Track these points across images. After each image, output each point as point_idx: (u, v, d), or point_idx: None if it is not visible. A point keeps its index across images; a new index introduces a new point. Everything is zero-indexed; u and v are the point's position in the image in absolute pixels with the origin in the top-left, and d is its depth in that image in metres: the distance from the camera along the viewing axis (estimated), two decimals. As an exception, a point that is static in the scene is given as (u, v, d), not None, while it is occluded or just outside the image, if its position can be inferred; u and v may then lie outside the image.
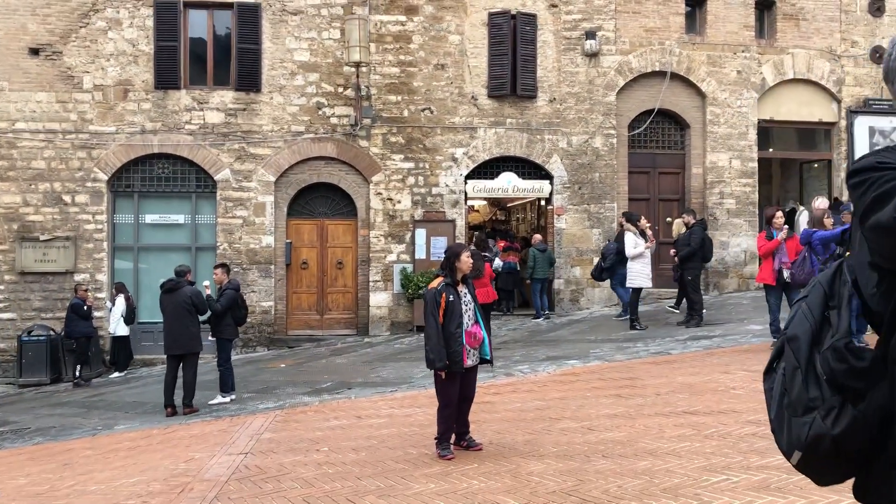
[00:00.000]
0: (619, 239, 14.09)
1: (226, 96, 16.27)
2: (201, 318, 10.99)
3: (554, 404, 8.20)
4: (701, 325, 12.92)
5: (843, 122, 18.17)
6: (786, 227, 10.13)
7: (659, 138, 17.89)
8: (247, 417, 9.34)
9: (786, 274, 9.82)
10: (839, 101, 18.20)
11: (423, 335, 13.13)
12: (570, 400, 8.32)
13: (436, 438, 6.63)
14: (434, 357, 6.45)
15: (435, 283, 6.68)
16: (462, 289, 6.66)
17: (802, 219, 18.05)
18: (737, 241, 17.64)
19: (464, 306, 6.58)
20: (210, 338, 11.05)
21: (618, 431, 6.78)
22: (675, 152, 17.95)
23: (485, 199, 19.75)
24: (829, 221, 9.44)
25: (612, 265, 14.73)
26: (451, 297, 6.53)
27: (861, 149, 18.20)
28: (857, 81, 18.19)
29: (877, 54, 18.19)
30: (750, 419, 6.71)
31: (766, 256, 10.08)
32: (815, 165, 19.41)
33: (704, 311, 13.46)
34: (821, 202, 17.42)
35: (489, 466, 6.09)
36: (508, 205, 22.28)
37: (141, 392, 12.84)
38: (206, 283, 11.33)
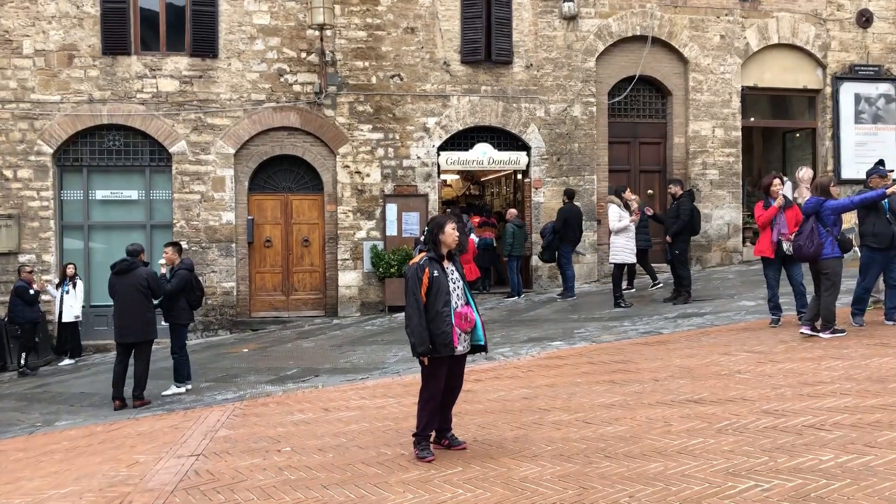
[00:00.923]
0: (605, 213, 13.34)
1: (180, 63, 15.15)
2: (154, 303, 10.03)
3: (542, 392, 7.42)
4: (689, 301, 12.23)
5: (829, 89, 17.54)
6: (784, 195, 9.38)
7: (640, 107, 17.12)
8: (202, 411, 8.45)
9: (785, 246, 9.10)
10: (824, 67, 17.56)
11: (394, 316, 12.34)
12: (560, 387, 7.55)
13: (414, 435, 5.81)
14: (416, 340, 5.61)
15: (417, 258, 5.83)
16: (448, 265, 5.82)
17: (786, 190, 17.41)
18: (720, 214, 17.00)
19: (451, 284, 5.74)
20: (163, 322, 10.10)
21: (618, 425, 6.02)
22: (656, 121, 17.20)
23: (459, 171, 18.87)
24: (835, 190, 8.71)
25: (549, 244, 14.18)
26: (436, 273, 5.69)
27: (847, 117, 17.62)
28: (843, 46, 17.55)
29: (863, 17, 17.56)
30: (765, 409, 5.98)
31: (764, 227, 9.35)
32: (798, 135, 18.80)
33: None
34: (805, 172, 16.80)
35: (475, 471, 5.28)
36: (482, 178, 21.40)
37: (90, 382, 11.86)
38: (162, 261, 10.34)
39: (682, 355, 8.36)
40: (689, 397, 6.62)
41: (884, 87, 17.80)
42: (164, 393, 9.79)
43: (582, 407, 6.69)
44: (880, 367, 6.90)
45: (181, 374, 9.83)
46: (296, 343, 12.94)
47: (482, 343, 5.88)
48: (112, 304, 14.74)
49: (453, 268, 5.86)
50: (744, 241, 17.25)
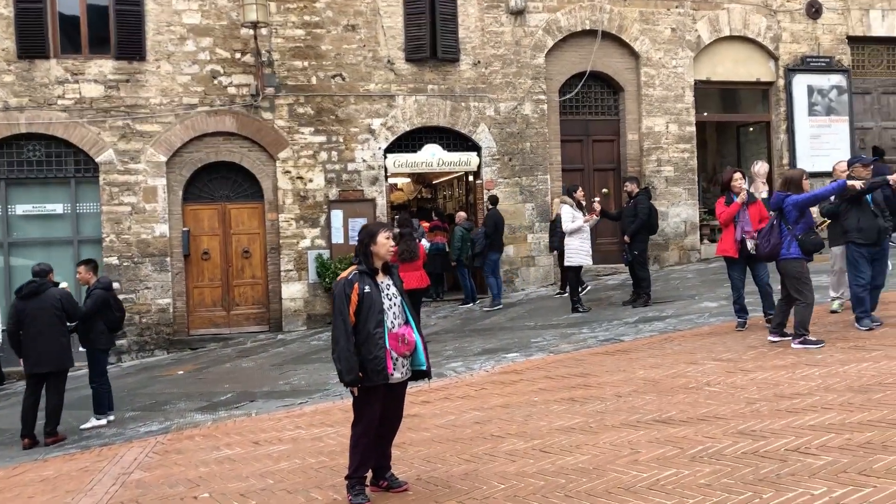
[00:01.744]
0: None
1: (105, 66, 14.16)
2: (70, 326, 9.10)
3: (496, 415, 6.73)
4: (649, 303, 11.68)
5: (782, 82, 17.22)
6: (747, 190, 8.84)
7: (592, 103, 16.59)
8: (120, 447, 7.58)
9: (749, 245, 8.56)
10: (776, 59, 17.24)
11: None
12: (515, 408, 6.86)
13: (347, 478, 5.06)
14: (343, 368, 4.88)
15: (346, 273, 5.09)
16: (383, 279, 5.09)
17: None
18: (676, 211, 16.54)
19: (386, 301, 5.01)
20: (80, 348, 9.18)
21: (579, 454, 5.34)
22: (609, 118, 16.68)
23: (407, 174, 18.16)
24: (808, 184, 8.14)
25: (481, 250, 13.80)
26: (367, 289, 4.96)
27: (800, 109, 17.32)
28: (794, 38, 17.25)
29: (812, 8, 17.29)
30: (741, 429, 5.37)
31: (726, 224, 8.79)
32: (752, 129, 18.48)
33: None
34: (761, 166, 16.42)
35: (417, 519, 4.57)
36: (434, 181, 20.73)
37: (6, 415, 10.84)
38: (64, 283, 9.43)
39: (646, 366, 7.75)
40: (656, 416, 5.99)
41: (835, 79, 17.54)
42: (82, 426, 8.88)
43: (539, 432, 6.00)
44: (860, 375, 6.36)
45: (102, 404, 8.92)
46: (235, 363, 12.07)
47: (424, 368, 5.16)
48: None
49: (389, 282, 5.13)
50: (701, 239, 16.84)
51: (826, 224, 7.81)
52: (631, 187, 11.97)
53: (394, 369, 4.98)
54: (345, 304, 4.92)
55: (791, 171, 8.21)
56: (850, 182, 7.94)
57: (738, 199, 8.75)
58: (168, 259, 14.35)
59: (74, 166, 14.31)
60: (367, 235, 5.11)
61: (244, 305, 14.98)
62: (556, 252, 14.14)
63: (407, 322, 5.13)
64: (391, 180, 18.41)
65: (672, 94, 16.50)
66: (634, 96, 16.45)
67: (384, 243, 5.05)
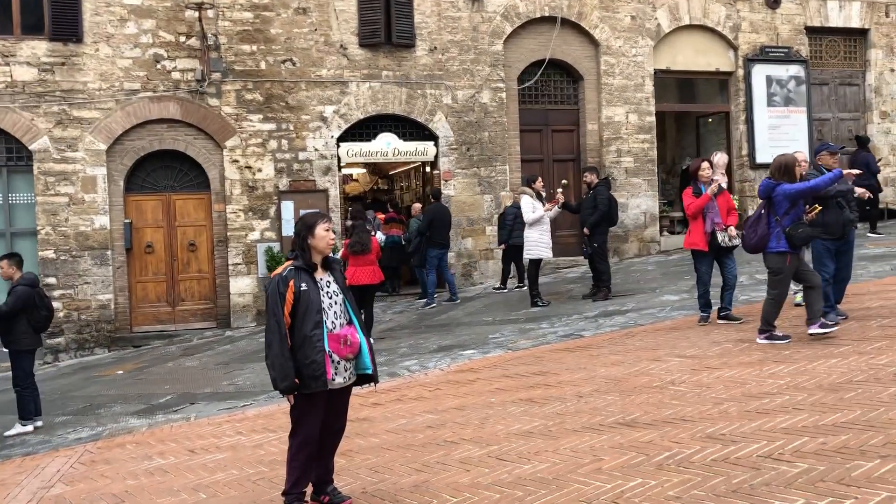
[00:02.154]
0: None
1: (38, 48, 13.37)
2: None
3: (450, 417, 6.31)
4: (609, 297, 11.38)
5: (741, 72, 17.07)
6: (716, 180, 8.53)
7: (551, 92, 16.25)
8: (44, 457, 7.00)
9: (720, 237, 8.25)
10: (736, 49, 17.08)
11: None
12: (471, 409, 6.45)
13: (284, 494, 4.60)
14: (276, 374, 4.43)
15: (280, 269, 4.61)
16: (323, 275, 4.63)
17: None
18: (636, 203, 16.30)
19: (326, 299, 4.55)
20: (3, 349, 8.53)
21: (538, 462, 4.95)
22: (568, 107, 16.36)
23: (362, 164, 17.61)
24: (801, 170, 7.69)
25: (416, 248, 13.64)
26: (304, 286, 4.49)
27: (759, 99, 17.20)
28: (753, 27, 17.10)
29: (772, -1, 17.15)
30: (710, 432, 5.02)
31: (695, 216, 8.45)
32: (711, 119, 18.33)
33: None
34: (721, 157, 16.22)
35: (360, 540, 4.12)
36: (391, 172, 20.23)
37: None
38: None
39: (608, 363, 7.39)
40: (619, 419, 5.62)
41: (794, 69, 17.46)
42: (6, 433, 8.24)
43: (496, 437, 5.60)
44: (829, 372, 6.07)
45: (27, 409, 8.28)
46: (178, 362, 11.47)
47: (370, 372, 4.71)
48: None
49: (330, 279, 4.67)
50: (661, 231, 16.64)
51: (817, 211, 7.21)
52: (590, 178, 11.63)
53: (335, 374, 4.53)
54: (279, 303, 4.46)
55: (784, 157, 7.51)
56: (846, 171, 7.57)
57: (708, 191, 8.42)
58: (109, 252, 13.65)
59: (6, 154, 13.51)
60: (305, 227, 4.64)
61: (190, 301, 14.34)
62: (503, 245, 13.82)
63: (350, 322, 4.68)
64: (345, 171, 17.92)
65: (632, 83, 16.23)
66: (594, 85, 16.15)
67: (323, 236, 4.59)
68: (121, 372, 11.29)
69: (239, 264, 14.16)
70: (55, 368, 12.81)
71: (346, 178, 20.44)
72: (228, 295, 14.16)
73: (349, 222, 15.13)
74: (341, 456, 5.52)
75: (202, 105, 13.99)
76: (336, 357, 4.53)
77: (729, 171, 16.93)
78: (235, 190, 14.15)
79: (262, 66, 14.27)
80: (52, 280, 13.34)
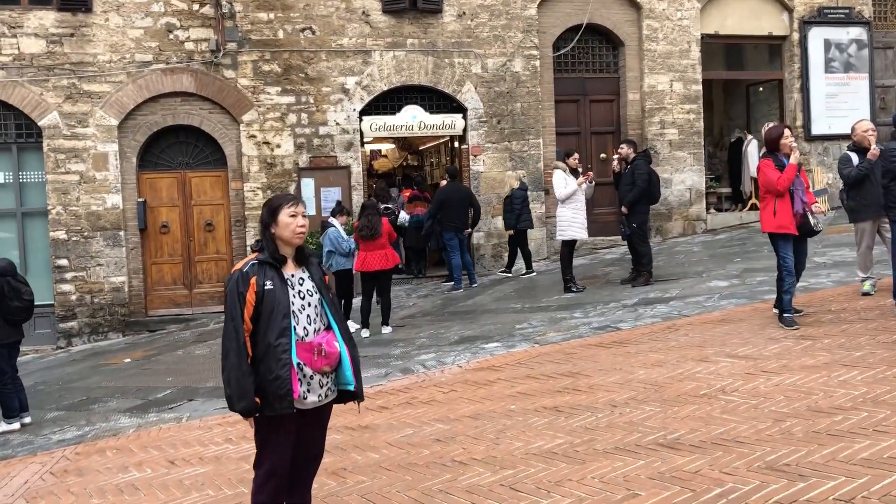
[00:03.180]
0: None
1: (46, 18, 12.72)
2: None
3: (462, 428, 5.48)
4: (651, 282, 10.40)
5: (796, 36, 15.76)
6: (795, 147, 7.27)
7: (589, 60, 15.16)
8: (18, 462, 6.36)
9: (813, 221, 7.01)
10: (791, 11, 15.77)
11: None
12: (487, 419, 5.61)
13: (250, 534, 3.82)
14: (232, 392, 3.62)
15: (241, 264, 3.80)
16: (294, 271, 3.80)
17: (752, 149, 15.74)
18: (681, 178, 15.19)
19: (297, 300, 3.73)
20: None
21: (558, 495, 4.09)
22: (607, 76, 15.26)
23: (386, 138, 16.75)
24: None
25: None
26: (269, 285, 3.68)
27: (816, 65, 15.88)
28: (811, -13, 15.77)
29: (832, -45, 15.76)
30: (770, 461, 4.11)
31: (782, 193, 7.09)
32: (762, 88, 17.06)
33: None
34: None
35: None
36: (421, 147, 19.35)
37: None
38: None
39: (647, 362, 6.48)
40: (659, 437, 4.73)
41: (855, 32, 16.07)
42: (-9, 432, 7.64)
43: (511, 458, 4.75)
44: (915, 381, 5.09)
45: (10, 407, 7.64)
46: (189, 349, 10.83)
47: (351, 387, 3.89)
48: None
49: (304, 275, 3.84)
50: (707, 208, 15.51)
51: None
52: (627, 151, 10.60)
53: (307, 391, 3.71)
54: (237, 305, 3.64)
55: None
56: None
57: (792, 160, 7.18)
58: (122, 233, 13.04)
59: (16, 130, 12.94)
60: (267, 213, 3.81)
61: (208, 283, 13.69)
62: (511, 231, 12.91)
63: (329, 328, 3.85)
64: (370, 146, 17.13)
65: (677, 49, 15.06)
66: (636, 52, 15.02)
67: (288, 223, 3.75)
68: (128, 360, 10.69)
69: (257, 245, 13.42)
70: (66, 354, 12.29)
71: (375, 154, 19.67)
72: (247, 277, 13.46)
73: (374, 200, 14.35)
74: (332, 476, 4.76)
75: (217, 77, 13.24)
76: (308, 370, 3.71)
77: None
78: (253, 167, 13.41)
79: (280, 35, 13.46)
80: (63, 262, 12.81)
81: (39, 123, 12.73)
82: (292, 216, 3.77)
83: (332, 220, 10.27)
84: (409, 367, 7.64)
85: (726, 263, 11.17)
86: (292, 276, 3.80)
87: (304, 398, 3.71)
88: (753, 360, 6.09)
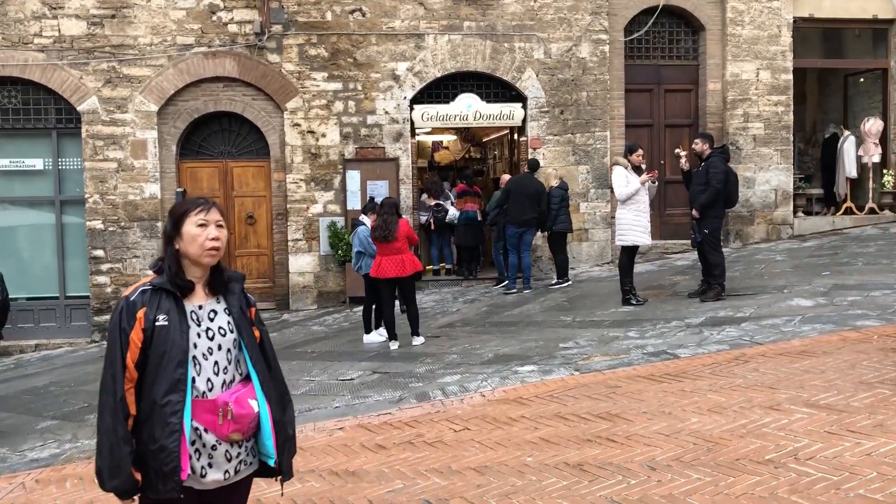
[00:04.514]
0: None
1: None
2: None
3: (461, 488, 4.46)
4: (722, 297, 9.11)
5: (905, 19, 13.98)
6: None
7: (665, 45, 13.79)
8: (-23, 487, 5.67)
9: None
10: (900, -8, 13.99)
11: (355, 310, 9.80)
12: (494, 474, 4.57)
13: None
14: (103, 464, 2.71)
15: (130, 290, 2.87)
16: (205, 302, 2.86)
17: (849, 146, 14.07)
18: (765, 177, 13.67)
19: (203, 342, 2.80)
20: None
21: None
22: (686, 63, 13.87)
23: (442, 129, 15.74)
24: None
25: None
26: (162, 320, 2.74)
27: (928, 53, 14.06)
28: (925, -36, 13.93)
29: (951, -73, 13.88)
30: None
31: None
32: (862, 79, 15.28)
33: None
34: (873, 124, 13.38)
35: None
36: (484, 139, 18.29)
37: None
38: None
39: (704, 406, 5.30)
40: (704, 525, 3.60)
41: (975, 16, 14.15)
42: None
43: (509, 540, 3.71)
44: None
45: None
46: (212, 352, 10.11)
47: (272, 460, 2.91)
48: (23, 295, 12.29)
49: (219, 306, 2.89)
50: (795, 211, 13.94)
51: None
52: (702, 147, 9.30)
53: (208, 466, 2.77)
54: (118, 347, 2.73)
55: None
56: None
57: None
58: (159, 224, 12.48)
59: (56, 116, 12.54)
60: (171, 223, 2.88)
61: (248, 279, 12.81)
62: (546, 234, 11.71)
63: (247, 379, 2.90)
64: (430, 137, 16.22)
65: (765, 34, 13.53)
66: (718, 36, 13.56)
67: (194, 235, 2.82)
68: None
69: (299, 240, 12.71)
70: (98, 349, 11.81)
71: (437, 146, 18.76)
72: (287, 274, 12.76)
73: (423, 196, 13.43)
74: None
75: (261, 62, 12.51)
76: (210, 438, 2.77)
77: (884, 140, 14.02)
78: (297, 157, 12.65)
79: (328, 16, 12.62)
80: (99, 253, 12.35)
81: (79, 108, 12.28)
82: (201, 225, 2.83)
83: (363, 218, 9.37)
84: (428, 391, 6.65)
85: (812, 277, 9.75)
86: (199, 307, 2.85)
87: (203, 475, 2.77)
88: (838, 413, 4.85)
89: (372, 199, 10.65)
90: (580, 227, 13.13)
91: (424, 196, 13.42)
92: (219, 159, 12.87)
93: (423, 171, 16.60)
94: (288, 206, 12.69)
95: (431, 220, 13.00)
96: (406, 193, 12.80)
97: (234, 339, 2.89)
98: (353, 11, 12.66)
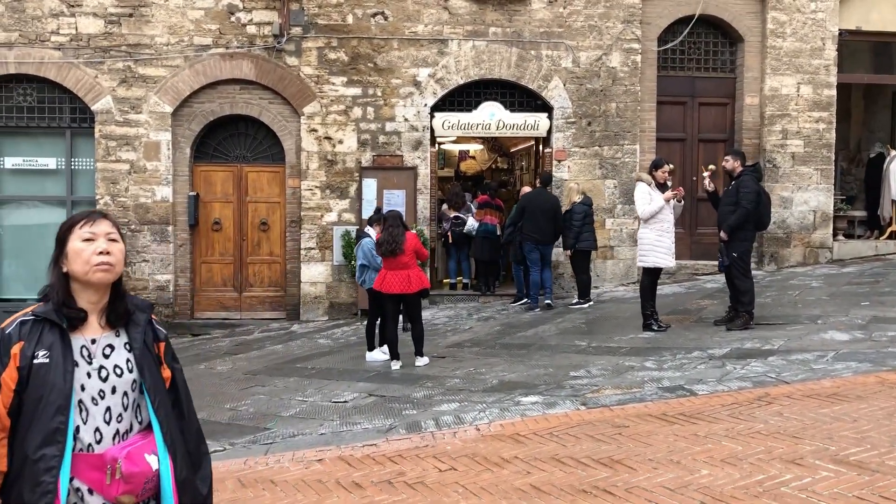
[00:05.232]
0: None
1: (105, -3, 12.03)
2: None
3: (435, 541, 3.96)
4: (750, 325, 8.48)
5: (960, 34, 13.17)
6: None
7: (700, 56, 13.17)
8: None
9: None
10: (955, 4, 13.19)
11: (365, 324, 8.95)
12: (473, 528, 4.06)
13: None
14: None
15: (9, 321, 2.43)
16: (98, 334, 2.40)
17: (895, 167, 13.29)
18: (804, 197, 12.95)
19: (91, 382, 2.34)
20: None
21: None
22: (722, 75, 13.23)
23: (464, 138, 15.25)
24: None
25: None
26: (42, 357, 2.30)
27: (983, 70, 13.24)
28: (982, -24, 13.12)
29: None
30: None
31: None
32: (912, 96, 14.49)
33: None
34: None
35: None
36: (512, 149, 17.79)
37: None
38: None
39: (717, 455, 4.73)
40: None
41: None
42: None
43: None
44: None
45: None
46: (211, 363, 9.75)
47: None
48: (28, 296, 12.06)
49: (118, 341, 2.43)
50: (835, 234, 13.19)
51: None
52: (733, 164, 8.67)
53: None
54: (-15, 389, 2.29)
55: None
56: None
57: None
58: (170, 228, 12.20)
59: (70, 115, 12.34)
60: (56, 241, 2.44)
61: (259, 287, 12.68)
62: (569, 252, 11.10)
63: (149, 428, 2.44)
64: (456, 146, 15.80)
65: (808, 46, 12.84)
66: (757, 48, 12.91)
67: (79, 251, 2.38)
68: (148, 370, 9.69)
69: (312, 249, 12.32)
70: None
71: (464, 155, 18.33)
72: (299, 283, 12.37)
73: (444, 207, 12.97)
74: None
75: (279, 64, 12.17)
76: (96, 501, 2.31)
77: (934, 162, 13.21)
78: (312, 164, 12.28)
79: (350, 19, 12.25)
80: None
81: (92, 108, 12.06)
82: (87, 240, 2.39)
83: (368, 230, 8.93)
84: (420, 421, 6.16)
85: (850, 307, 9.06)
86: (92, 342, 2.40)
87: (74, 544, 2.31)
88: (870, 474, 4.25)
89: (378, 209, 10.22)
90: (605, 244, 12.56)
91: (445, 206, 12.96)
92: (233, 163, 12.55)
93: (449, 180, 16.16)
94: (302, 213, 12.32)
95: (449, 233, 12.53)
96: (424, 204, 12.35)
97: (134, 381, 2.43)
98: (374, 15, 12.26)
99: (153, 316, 2.59)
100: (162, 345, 2.56)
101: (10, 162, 12.32)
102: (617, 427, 5.51)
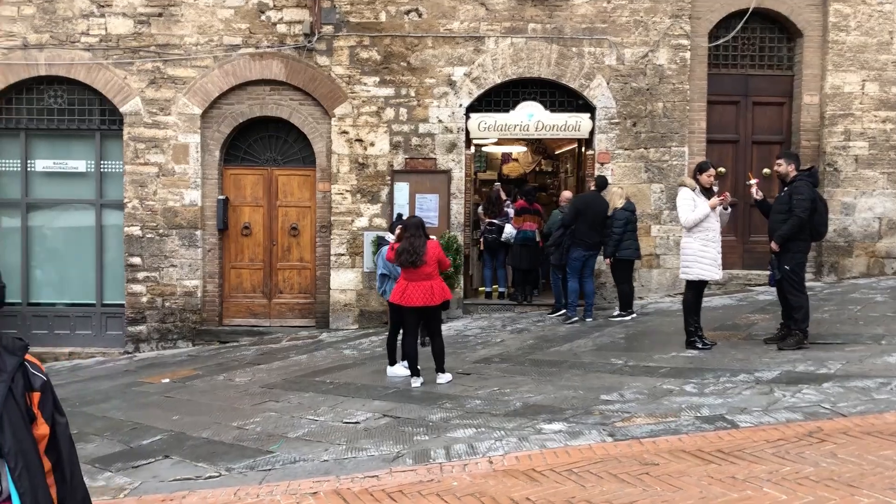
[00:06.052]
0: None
1: (135, -3, 11.82)
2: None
3: None
4: (804, 345, 7.72)
5: None
6: None
7: (755, 52, 12.35)
8: None
9: None
10: None
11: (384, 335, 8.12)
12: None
13: None
14: None
15: None
16: None
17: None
18: (868, 203, 12.03)
19: None
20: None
21: None
22: (778, 73, 12.39)
23: (502, 139, 14.62)
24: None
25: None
26: None
27: None
28: None
29: None
30: None
31: None
32: None
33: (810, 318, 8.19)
34: None
35: None
36: (557, 151, 17.12)
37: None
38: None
39: (757, 506, 4.09)
40: None
41: None
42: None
43: None
44: None
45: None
46: (231, 374, 9.38)
47: None
48: (57, 301, 11.97)
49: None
50: (903, 243, 12.23)
51: None
52: (786, 168, 7.91)
53: None
54: None
55: None
56: None
57: None
58: (199, 232, 11.92)
59: (99, 116, 12.16)
60: None
61: (289, 293, 12.32)
62: (609, 260, 10.40)
63: (8, 500, 1.96)
64: (499, 148, 15.22)
65: (874, 41, 11.92)
66: (817, 43, 12.05)
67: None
68: (166, 380, 9.40)
69: (342, 255, 11.90)
70: (128, 360, 11.33)
71: (507, 157, 17.73)
72: (328, 290, 11.97)
73: (480, 210, 12.43)
74: None
75: (310, 64, 11.79)
76: None
77: None
78: (343, 167, 11.86)
79: (382, 17, 11.80)
80: (136, 260, 11.88)
81: (121, 109, 11.86)
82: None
83: (388, 237, 8.42)
84: (431, 449, 5.63)
85: (921, 326, 8.22)
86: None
87: None
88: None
89: (399, 216, 9.73)
90: (650, 252, 11.85)
91: (480, 210, 12.42)
92: (264, 166, 12.21)
93: (491, 183, 15.60)
94: (332, 218, 11.91)
95: (481, 240, 11.99)
96: (458, 209, 11.83)
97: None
98: (408, 12, 11.79)
99: (30, 358, 2.12)
100: (36, 395, 2.10)
101: (41, 165, 12.20)
102: (644, 465, 4.89)
